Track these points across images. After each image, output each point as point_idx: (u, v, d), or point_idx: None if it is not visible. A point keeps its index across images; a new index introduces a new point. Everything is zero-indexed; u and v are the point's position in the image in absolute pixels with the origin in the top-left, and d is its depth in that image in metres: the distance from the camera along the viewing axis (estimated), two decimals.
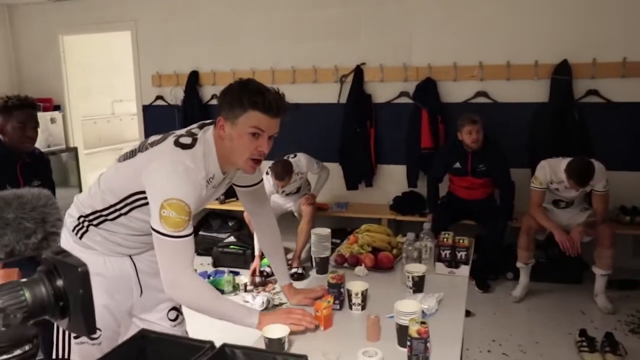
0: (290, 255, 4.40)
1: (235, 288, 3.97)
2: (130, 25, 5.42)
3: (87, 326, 0.96)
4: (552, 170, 3.68)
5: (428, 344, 1.48)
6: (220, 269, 4.33)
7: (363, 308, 1.87)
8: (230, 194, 5.00)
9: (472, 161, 4.05)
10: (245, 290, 3.93)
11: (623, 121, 4.24)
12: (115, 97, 7.08)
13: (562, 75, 4.30)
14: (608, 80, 4.26)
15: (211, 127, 1.69)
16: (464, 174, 4.12)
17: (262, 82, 5.34)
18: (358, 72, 4.79)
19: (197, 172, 1.59)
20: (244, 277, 4.15)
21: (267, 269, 4.32)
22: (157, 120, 5.44)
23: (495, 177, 4.09)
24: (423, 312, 1.79)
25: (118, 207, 1.69)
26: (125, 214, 1.69)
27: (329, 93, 4.90)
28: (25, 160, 2.69)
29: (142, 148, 1.68)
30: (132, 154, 1.69)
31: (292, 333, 1.61)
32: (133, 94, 5.63)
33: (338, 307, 1.88)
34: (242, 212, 4.45)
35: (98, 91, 6.74)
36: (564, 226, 3.74)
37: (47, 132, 5.63)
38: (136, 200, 1.64)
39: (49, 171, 2.89)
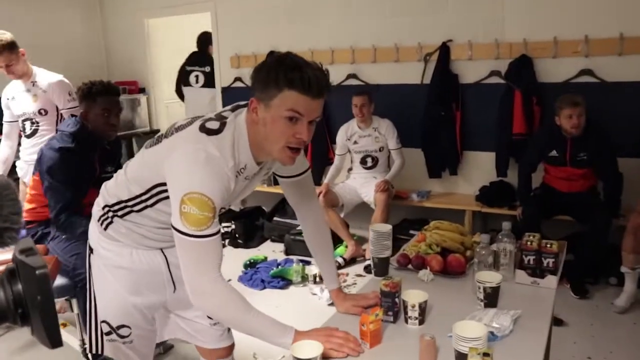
0: (365, 246, 4.16)
1: (304, 279, 3.79)
2: (210, 6, 5.37)
3: (50, 338, 0.81)
4: None
5: None
6: (291, 257, 4.17)
7: (421, 322, 1.59)
8: None
9: (572, 149, 3.56)
10: (315, 282, 3.74)
11: None
12: None
13: None
14: None
15: (244, 110, 1.47)
16: (561, 164, 3.64)
17: (341, 62, 5.17)
18: (444, 49, 4.39)
19: (222, 162, 1.37)
20: (315, 268, 3.96)
21: (339, 259, 4.12)
22: (236, 102, 5.35)
23: (598, 167, 3.58)
24: (492, 333, 1.48)
25: (143, 198, 1.52)
26: (151, 205, 1.52)
27: (412, 73, 4.55)
28: (105, 148, 2.66)
29: (168, 133, 1.49)
30: (158, 139, 1.51)
31: (327, 357, 1.37)
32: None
33: (392, 319, 1.61)
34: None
35: None
36: None
37: (132, 115, 5.74)
38: (162, 191, 1.47)
39: (119, 156, 2.86)
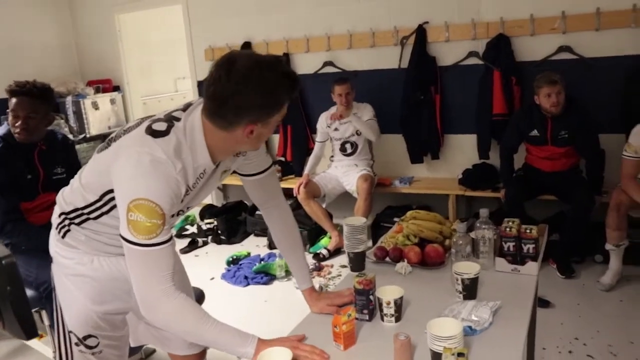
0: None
1: (288, 273, 3.72)
2: None
3: (24, 328, 0.76)
4: None
5: None
6: (274, 251, 4.10)
7: (398, 319, 1.52)
8: (287, 171, 4.82)
9: (553, 128, 3.52)
10: None
11: None
12: (177, 74, 6.97)
13: None
14: None
15: (197, 110, 1.37)
16: (542, 143, 3.59)
17: (317, 50, 5.07)
18: (420, 32, 4.31)
19: (170, 165, 1.28)
20: None
21: (323, 251, 4.06)
22: None
23: (580, 145, 3.54)
24: (471, 328, 1.42)
25: (98, 205, 1.44)
26: (107, 212, 1.44)
27: (389, 58, 4.47)
28: (41, 148, 2.54)
29: (117, 136, 1.41)
30: (108, 143, 1.43)
31: None
32: None
33: (367, 317, 1.55)
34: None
35: (159, 69, 6.64)
36: None
37: (109, 114, 5.62)
38: (115, 197, 1.38)
39: (72, 156, 2.75)
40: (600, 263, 3.59)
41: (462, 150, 4.35)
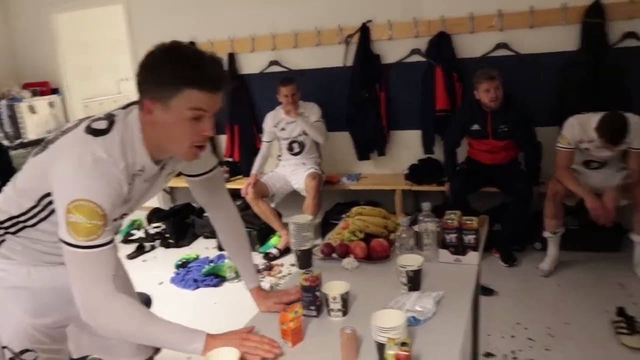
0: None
1: (239, 274, 3.69)
2: None
3: None
4: (581, 128, 3.25)
5: None
6: (224, 253, 4.07)
7: (345, 314, 1.55)
8: (235, 171, 4.79)
9: (492, 122, 3.64)
10: None
11: None
12: (119, 75, 6.80)
13: (594, 18, 3.80)
14: None
15: (136, 108, 1.36)
16: (483, 137, 3.71)
17: (262, 49, 5.01)
18: (364, 30, 4.37)
19: (112, 164, 1.26)
20: None
21: (273, 250, 4.06)
22: None
23: (518, 138, 3.68)
24: (414, 318, 1.46)
25: (36, 211, 1.39)
26: (46, 218, 1.39)
27: (334, 56, 4.51)
28: None
29: (54, 138, 1.36)
30: (44, 146, 1.38)
31: None
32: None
33: (315, 313, 1.56)
34: None
35: (100, 71, 6.45)
36: (597, 189, 3.32)
37: (47, 118, 5.42)
38: (53, 202, 1.34)
39: (5, 162, 2.64)
40: (540, 250, 3.74)
41: (408, 146, 4.44)
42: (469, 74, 3.91)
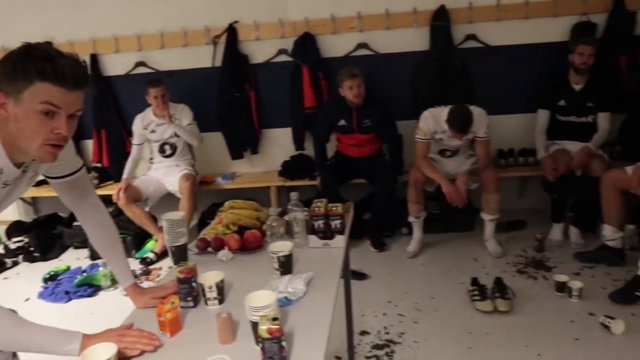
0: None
1: (115, 281, 3.58)
2: None
3: None
4: (434, 120, 3.59)
5: (284, 343, 1.25)
6: (97, 261, 3.91)
7: (221, 302, 1.61)
8: (104, 177, 4.60)
9: (357, 117, 3.88)
10: None
11: (501, 64, 4.24)
12: None
13: (440, 21, 4.19)
14: (485, 24, 4.22)
15: None
16: (350, 131, 3.94)
17: (127, 50, 4.83)
18: (231, 31, 4.43)
19: None
20: None
21: (150, 255, 3.98)
22: None
23: (381, 131, 3.96)
24: (287, 298, 1.57)
25: None
26: None
27: (202, 57, 4.52)
28: None
29: None
30: None
31: (123, 357, 1.32)
32: None
33: (192, 304, 1.61)
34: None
35: None
36: (451, 175, 3.68)
37: None
38: None
39: None
40: (406, 235, 4.06)
41: (279, 143, 4.58)
42: (334, 73, 4.12)
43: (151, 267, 3.90)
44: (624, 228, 3.42)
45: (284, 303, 1.55)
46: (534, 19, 4.16)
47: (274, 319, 1.26)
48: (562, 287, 3.09)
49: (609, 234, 3.37)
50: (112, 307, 3.34)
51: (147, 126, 4.13)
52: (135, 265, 3.87)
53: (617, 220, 3.34)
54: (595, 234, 3.61)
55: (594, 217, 3.57)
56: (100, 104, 4.53)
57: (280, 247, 1.77)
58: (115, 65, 4.63)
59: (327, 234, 2.01)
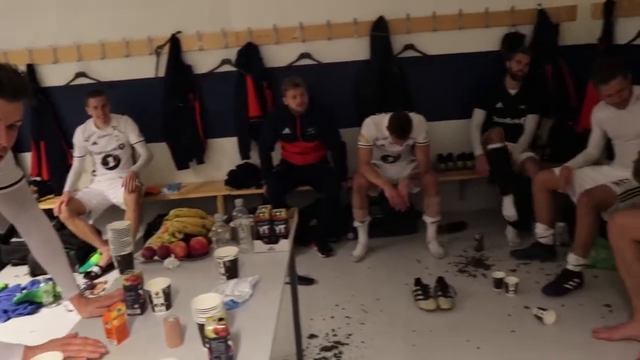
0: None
1: (57, 297, 3.50)
2: None
3: None
4: (376, 127, 3.71)
5: (230, 343, 1.29)
6: (38, 278, 3.80)
7: (168, 307, 1.64)
8: (44, 190, 4.47)
9: (301, 125, 3.95)
10: None
11: (437, 73, 4.42)
12: None
13: (380, 31, 4.33)
14: (422, 34, 4.39)
15: None
16: (294, 140, 4.01)
17: (66, 60, 4.73)
18: (174, 41, 4.41)
19: None
20: None
21: (95, 269, 3.91)
22: None
23: (325, 139, 4.05)
24: (233, 301, 1.61)
25: None
26: None
27: (145, 67, 4.47)
28: None
29: None
30: None
31: None
32: None
33: (139, 311, 1.63)
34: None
35: None
36: (394, 180, 3.81)
37: None
38: None
39: None
40: (352, 239, 4.15)
41: (225, 152, 4.59)
42: (278, 82, 4.18)
43: (96, 281, 3.82)
44: (554, 226, 3.64)
45: (231, 306, 1.60)
46: (468, 30, 4.37)
47: (220, 319, 1.30)
48: (499, 284, 3.26)
49: (541, 231, 3.58)
50: (55, 324, 3.25)
51: (89, 138, 4.06)
52: (79, 279, 3.79)
53: (548, 219, 3.55)
54: (530, 232, 3.81)
55: (529, 216, 3.76)
56: (39, 116, 4.41)
57: (226, 252, 1.81)
58: (54, 75, 4.52)
59: (272, 238, 2.06)
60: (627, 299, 2.71)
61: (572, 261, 3.14)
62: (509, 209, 3.87)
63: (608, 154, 3.45)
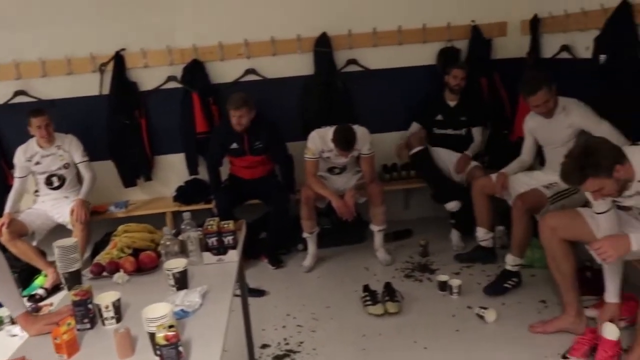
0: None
1: (1, 322, 3.40)
2: None
3: None
4: (321, 140, 3.81)
5: (181, 348, 1.34)
6: None
7: (119, 320, 1.66)
8: None
9: (249, 140, 4.01)
10: (13, 322, 3.37)
11: (379, 86, 4.57)
12: None
13: (323, 47, 4.45)
14: (363, 49, 4.54)
15: None
16: (242, 154, 4.06)
17: (4, 79, 4.64)
18: (118, 59, 4.39)
19: None
20: None
21: (40, 291, 3.81)
22: None
23: (272, 153, 4.12)
24: (183, 311, 1.65)
25: None
26: None
27: (88, 85, 4.41)
28: None
29: None
30: None
31: None
32: None
33: (89, 325, 1.64)
34: None
35: None
36: (340, 191, 3.91)
37: None
38: None
39: None
40: (302, 250, 4.21)
41: (173, 169, 4.58)
42: (224, 98, 4.20)
43: (41, 303, 3.72)
44: (494, 229, 3.83)
45: (181, 316, 1.64)
46: (406, 45, 4.55)
47: (170, 326, 1.35)
48: (443, 286, 3.40)
49: (482, 235, 3.77)
50: None
51: (32, 158, 3.98)
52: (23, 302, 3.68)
53: (488, 223, 3.74)
54: (473, 236, 3.98)
55: (472, 221, 3.93)
56: None
57: (175, 264, 1.85)
58: None
59: (220, 250, 2.12)
60: (560, 295, 2.89)
61: (510, 261, 3.33)
62: (450, 206, 4.06)
63: (540, 159, 3.68)
